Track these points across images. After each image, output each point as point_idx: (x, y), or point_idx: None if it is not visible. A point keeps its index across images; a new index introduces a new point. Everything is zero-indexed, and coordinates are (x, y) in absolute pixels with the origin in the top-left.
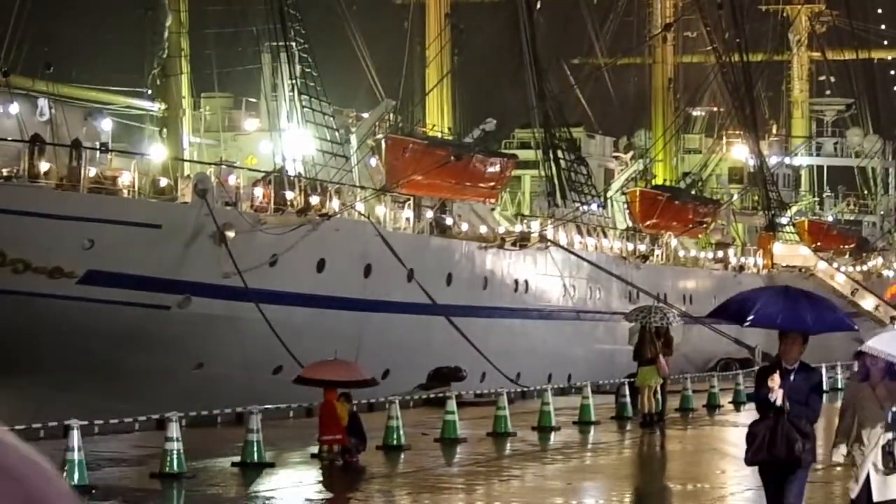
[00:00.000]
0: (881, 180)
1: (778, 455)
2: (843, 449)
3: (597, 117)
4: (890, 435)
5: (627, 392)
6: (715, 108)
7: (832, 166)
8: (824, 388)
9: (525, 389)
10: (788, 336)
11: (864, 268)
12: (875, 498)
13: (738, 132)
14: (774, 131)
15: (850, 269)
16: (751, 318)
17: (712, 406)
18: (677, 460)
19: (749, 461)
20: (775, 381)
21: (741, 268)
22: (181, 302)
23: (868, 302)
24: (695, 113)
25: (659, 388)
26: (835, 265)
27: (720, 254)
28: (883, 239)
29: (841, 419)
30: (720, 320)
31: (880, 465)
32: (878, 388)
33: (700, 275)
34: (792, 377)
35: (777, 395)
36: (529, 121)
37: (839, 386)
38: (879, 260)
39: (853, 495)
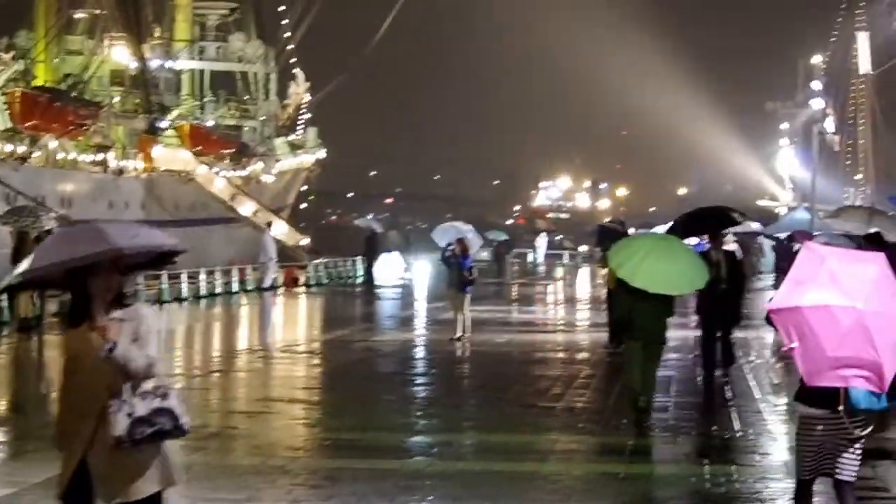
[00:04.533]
0: (262, 86)
1: None
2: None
3: None
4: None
5: (5, 298)
6: (98, 11)
7: (214, 71)
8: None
9: None
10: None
11: (244, 173)
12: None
13: (120, 34)
14: (157, 34)
15: (231, 173)
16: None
17: None
18: (55, 367)
19: None
20: None
21: (121, 171)
22: None
23: (247, 207)
24: (77, 14)
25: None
26: (215, 170)
27: (100, 156)
28: (263, 144)
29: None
30: None
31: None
32: (102, 332)
33: (80, 178)
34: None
35: None
36: None
37: None
38: (259, 165)
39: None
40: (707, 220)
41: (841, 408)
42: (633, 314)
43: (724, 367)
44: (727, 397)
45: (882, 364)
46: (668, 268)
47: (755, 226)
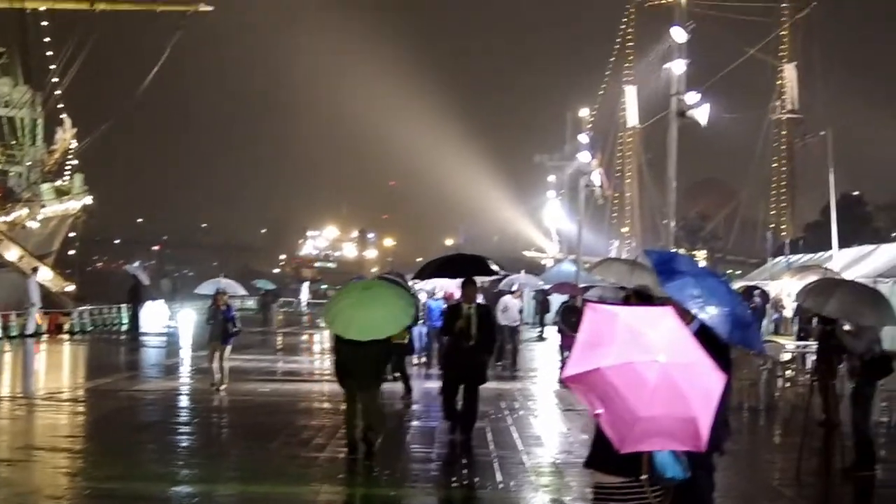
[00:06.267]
0: (29, 131)
1: None
2: None
3: None
4: None
5: None
6: None
7: None
8: None
9: None
10: None
11: (9, 218)
12: None
13: None
14: None
15: None
16: None
17: None
18: None
19: None
20: None
21: None
22: None
23: (12, 253)
24: None
25: None
26: None
27: None
28: (28, 190)
29: None
30: None
31: None
32: None
33: None
34: None
35: None
36: None
37: None
38: (24, 210)
39: None
40: (462, 267)
41: (644, 475)
42: (347, 360)
43: (467, 424)
44: (490, 449)
45: (697, 419)
46: (375, 314)
47: (522, 277)
